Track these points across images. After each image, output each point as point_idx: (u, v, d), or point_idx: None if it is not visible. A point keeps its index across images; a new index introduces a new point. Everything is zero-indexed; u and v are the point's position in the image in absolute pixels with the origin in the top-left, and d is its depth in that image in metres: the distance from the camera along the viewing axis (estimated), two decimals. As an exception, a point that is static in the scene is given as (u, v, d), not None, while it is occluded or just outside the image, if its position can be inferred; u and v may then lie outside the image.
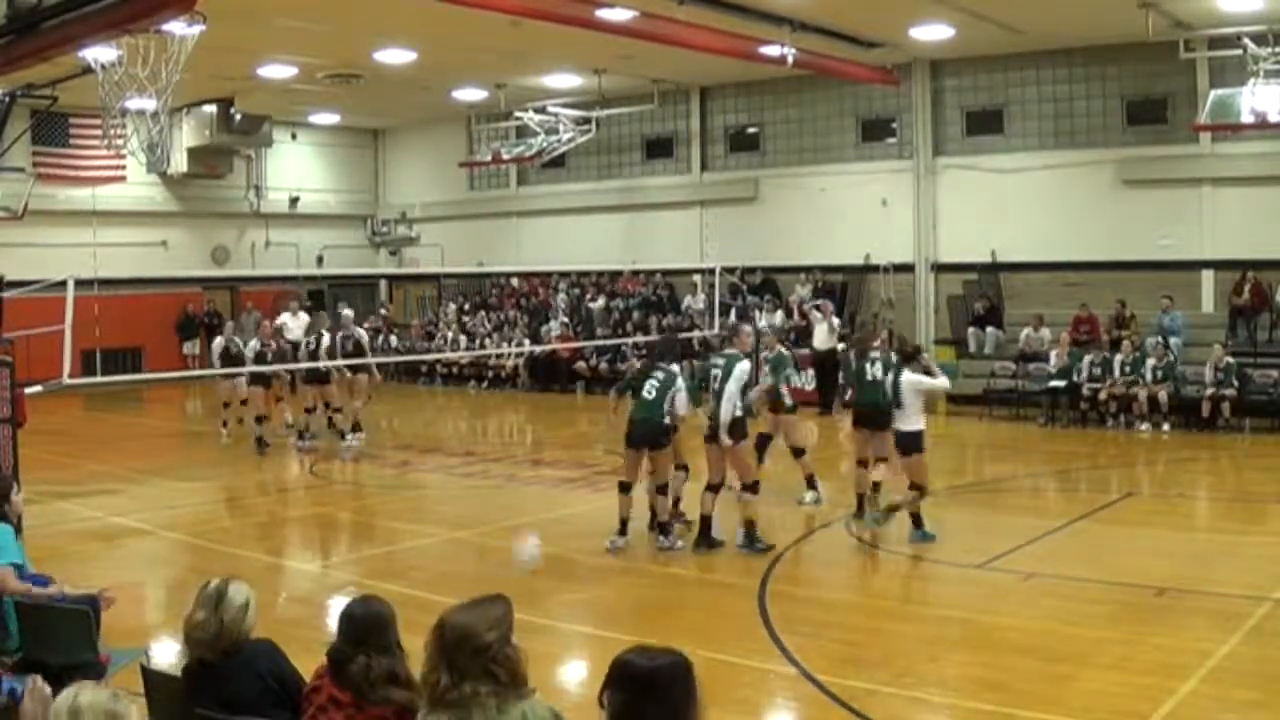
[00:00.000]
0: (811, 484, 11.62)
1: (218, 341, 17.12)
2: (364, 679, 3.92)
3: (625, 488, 9.99)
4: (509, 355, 23.22)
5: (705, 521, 9.87)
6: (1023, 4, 16.79)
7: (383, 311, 27.33)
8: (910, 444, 9.89)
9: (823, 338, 19.48)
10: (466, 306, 26.42)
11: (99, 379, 18.37)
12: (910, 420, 9.88)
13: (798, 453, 11.70)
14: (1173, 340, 17.60)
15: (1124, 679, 6.53)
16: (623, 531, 9.92)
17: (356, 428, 16.15)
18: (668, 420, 9.83)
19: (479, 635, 3.34)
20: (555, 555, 10.09)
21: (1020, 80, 20.58)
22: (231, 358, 16.37)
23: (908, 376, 9.94)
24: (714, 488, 9.88)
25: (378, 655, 3.96)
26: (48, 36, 11.72)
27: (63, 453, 15.35)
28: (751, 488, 9.81)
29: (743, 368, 9.79)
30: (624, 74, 21.61)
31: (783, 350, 12.03)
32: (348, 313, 17.36)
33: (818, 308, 19.82)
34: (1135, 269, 19.20)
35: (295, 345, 18.02)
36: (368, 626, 4.03)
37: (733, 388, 9.60)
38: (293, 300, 21.56)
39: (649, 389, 9.81)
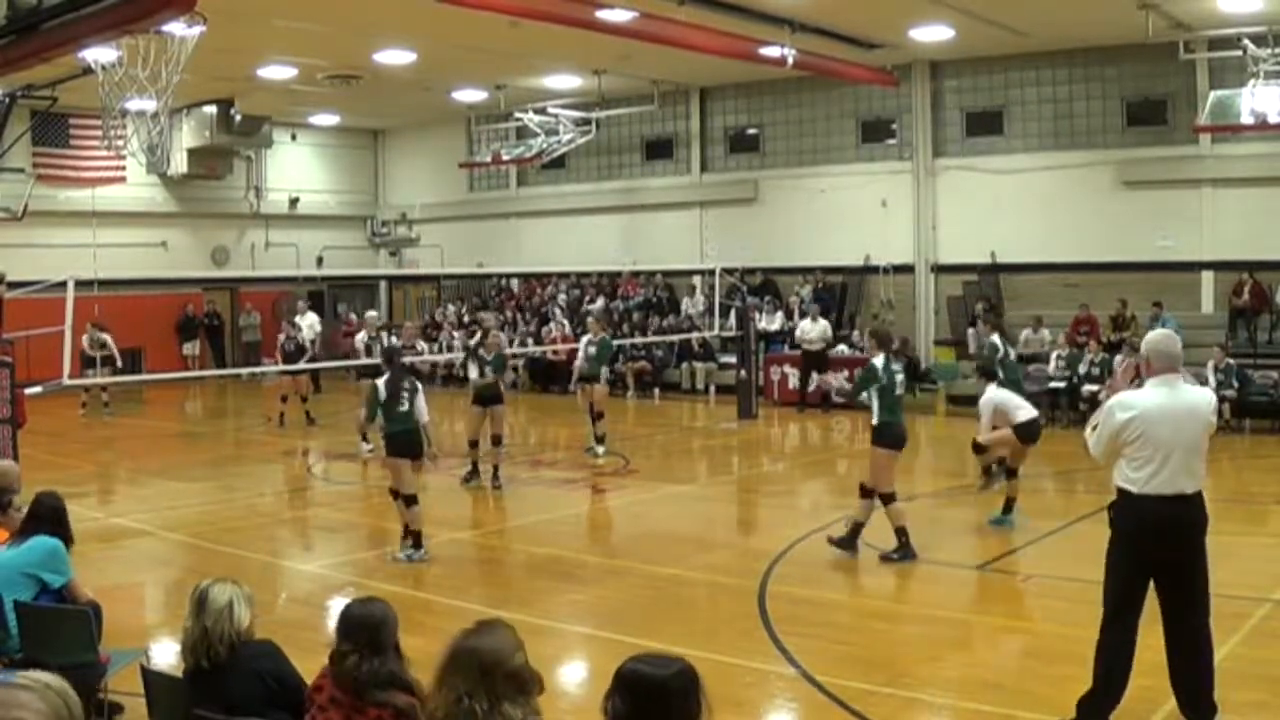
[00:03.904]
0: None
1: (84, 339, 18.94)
2: (361, 679, 3.92)
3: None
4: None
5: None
6: (1023, 5, 16.80)
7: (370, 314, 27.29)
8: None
9: (817, 337, 19.74)
10: (465, 311, 26.34)
11: (99, 379, 18.44)
12: None
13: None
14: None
15: (1124, 679, 6.51)
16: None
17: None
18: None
19: (510, 659, 3.32)
20: (555, 556, 10.08)
21: (1020, 81, 20.58)
22: (87, 358, 18.82)
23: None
24: None
25: (375, 656, 3.96)
26: (48, 37, 11.70)
27: (63, 453, 15.34)
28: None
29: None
30: (624, 74, 21.62)
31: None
32: (372, 314, 17.27)
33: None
34: (1135, 270, 19.21)
35: (300, 346, 18.01)
36: (365, 626, 4.04)
37: None
38: (300, 301, 21.52)
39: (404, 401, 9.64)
